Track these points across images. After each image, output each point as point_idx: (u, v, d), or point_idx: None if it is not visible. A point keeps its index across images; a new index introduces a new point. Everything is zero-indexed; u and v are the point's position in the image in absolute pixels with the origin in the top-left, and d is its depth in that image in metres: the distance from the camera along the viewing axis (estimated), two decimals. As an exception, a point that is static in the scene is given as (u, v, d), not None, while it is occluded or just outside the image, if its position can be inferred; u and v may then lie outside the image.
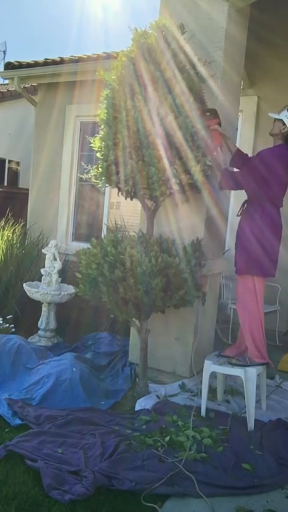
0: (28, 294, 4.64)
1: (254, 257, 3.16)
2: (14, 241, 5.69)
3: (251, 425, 3.02)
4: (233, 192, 4.34)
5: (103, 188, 5.69)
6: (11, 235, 5.75)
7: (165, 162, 3.06)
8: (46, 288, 4.67)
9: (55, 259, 4.79)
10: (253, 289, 3.20)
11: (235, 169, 3.47)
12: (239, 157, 3.42)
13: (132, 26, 3.19)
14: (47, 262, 4.78)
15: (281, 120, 3.23)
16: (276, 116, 3.26)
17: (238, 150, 3.47)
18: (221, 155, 3.43)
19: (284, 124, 3.22)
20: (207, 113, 3.29)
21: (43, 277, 4.76)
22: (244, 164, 3.35)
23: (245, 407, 3.09)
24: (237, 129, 4.20)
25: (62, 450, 2.63)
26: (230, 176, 3.40)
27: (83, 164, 6.45)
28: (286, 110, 3.22)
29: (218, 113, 3.35)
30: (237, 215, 3.41)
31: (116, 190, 3.37)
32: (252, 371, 3.06)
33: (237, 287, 3.34)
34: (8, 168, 11.77)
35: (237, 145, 4.39)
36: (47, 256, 4.81)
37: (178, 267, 3.13)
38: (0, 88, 11.16)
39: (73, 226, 6.89)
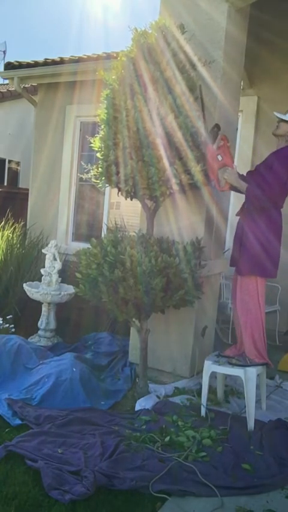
0: (28, 294, 4.64)
1: (258, 259, 3.16)
2: (14, 241, 5.69)
3: (251, 425, 3.02)
4: (232, 192, 4.34)
5: (103, 189, 5.68)
6: (11, 235, 5.75)
7: (165, 162, 3.06)
8: (46, 288, 4.67)
9: (55, 259, 4.79)
10: (256, 290, 3.20)
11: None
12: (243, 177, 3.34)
13: (132, 26, 3.19)
14: (47, 262, 4.78)
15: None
16: (284, 117, 3.18)
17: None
18: (235, 172, 3.23)
19: None
20: (215, 128, 3.18)
21: (43, 277, 4.76)
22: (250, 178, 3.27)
23: (245, 407, 3.09)
24: (237, 129, 4.20)
25: (62, 450, 2.63)
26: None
27: (83, 164, 6.45)
28: None
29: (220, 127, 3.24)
30: (236, 215, 3.39)
31: (116, 190, 3.37)
32: (252, 371, 3.05)
33: (237, 287, 3.33)
34: (8, 168, 11.77)
35: (237, 145, 4.39)
36: (47, 256, 4.81)
37: (178, 267, 3.13)
38: (0, 88, 11.16)
39: (73, 226, 6.88)
